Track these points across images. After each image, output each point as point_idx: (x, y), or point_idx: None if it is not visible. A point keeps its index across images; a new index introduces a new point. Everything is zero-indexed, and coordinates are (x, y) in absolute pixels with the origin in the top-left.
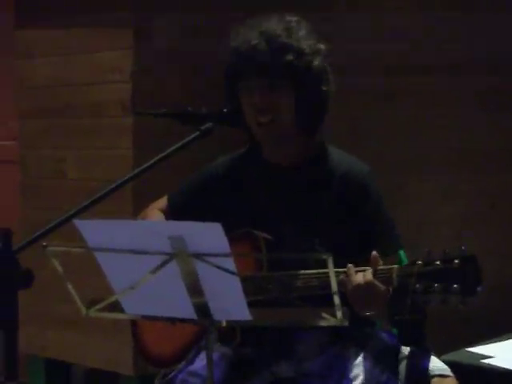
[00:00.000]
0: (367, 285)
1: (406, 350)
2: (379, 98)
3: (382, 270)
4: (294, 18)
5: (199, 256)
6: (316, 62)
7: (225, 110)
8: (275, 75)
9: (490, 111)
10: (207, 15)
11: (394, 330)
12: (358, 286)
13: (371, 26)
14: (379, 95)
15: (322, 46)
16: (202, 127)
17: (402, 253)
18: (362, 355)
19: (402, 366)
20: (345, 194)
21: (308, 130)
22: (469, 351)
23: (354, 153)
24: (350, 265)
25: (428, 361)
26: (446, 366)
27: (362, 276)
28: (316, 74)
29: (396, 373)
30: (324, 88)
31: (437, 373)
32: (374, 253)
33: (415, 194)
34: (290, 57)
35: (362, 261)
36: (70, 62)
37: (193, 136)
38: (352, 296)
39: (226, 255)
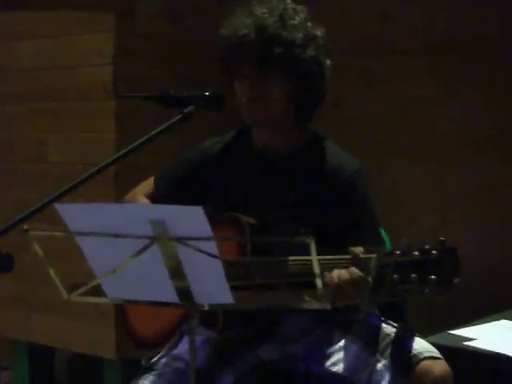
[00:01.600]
0: (353, 280)
1: (387, 328)
2: (366, 80)
3: (361, 258)
4: (291, 5)
5: (181, 240)
6: (308, 53)
7: (207, 94)
8: (263, 66)
9: (480, 94)
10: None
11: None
12: (345, 282)
13: (356, 8)
14: (363, 76)
15: (317, 33)
16: (185, 110)
17: (388, 246)
18: (346, 339)
19: (387, 351)
20: (332, 187)
21: (300, 120)
22: (451, 333)
23: (338, 135)
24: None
25: (412, 342)
26: (434, 348)
27: (347, 273)
28: (307, 64)
29: (382, 355)
30: (317, 78)
31: (426, 355)
32: (351, 248)
33: (402, 179)
34: (279, 49)
35: (345, 251)
36: (52, 45)
37: (175, 119)
38: (336, 293)
39: (207, 239)
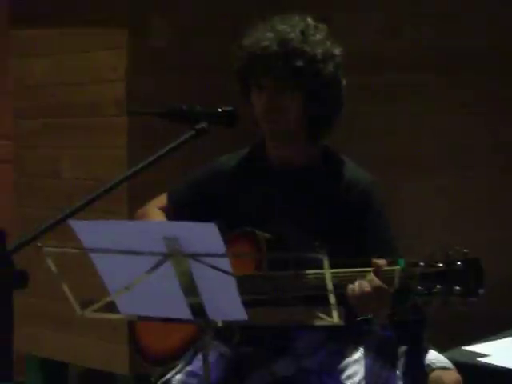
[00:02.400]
0: (374, 291)
1: (403, 346)
2: (377, 96)
3: (384, 270)
4: (312, 22)
5: (194, 256)
6: (328, 69)
7: (220, 110)
8: (283, 78)
9: (485, 110)
10: (203, 15)
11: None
12: (367, 293)
13: (370, 25)
14: (377, 93)
15: (336, 52)
16: (197, 127)
17: (401, 262)
18: (360, 351)
19: (400, 362)
20: (347, 200)
21: (315, 135)
22: (465, 349)
23: (349, 150)
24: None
25: (424, 357)
26: (447, 360)
27: (367, 284)
28: (326, 80)
29: (395, 367)
30: (334, 95)
31: (438, 365)
32: (374, 260)
33: (411, 193)
34: (299, 62)
35: (360, 265)
36: (66, 61)
37: (188, 135)
38: (358, 305)
39: (221, 255)
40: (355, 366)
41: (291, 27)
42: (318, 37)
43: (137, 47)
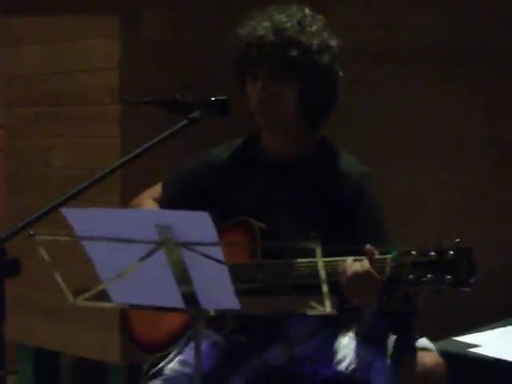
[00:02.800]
0: (364, 273)
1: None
2: (367, 86)
3: (376, 259)
4: (310, 12)
5: (186, 245)
6: (323, 60)
7: (212, 99)
8: (278, 67)
9: (479, 101)
10: (198, 5)
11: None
12: (356, 274)
13: (358, 16)
14: (367, 83)
15: (333, 43)
16: (190, 116)
17: (393, 252)
18: (349, 336)
19: (390, 343)
20: (341, 192)
21: (311, 125)
22: (456, 340)
23: (340, 140)
24: (347, 258)
25: (415, 344)
26: (428, 341)
27: (359, 265)
28: (322, 71)
29: (383, 350)
30: (329, 86)
31: (419, 346)
32: (368, 246)
33: (404, 184)
34: (294, 52)
35: (352, 251)
36: (57, 49)
37: (181, 124)
38: (348, 285)
39: (213, 244)
40: (343, 350)
41: (288, 17)
42: (315, 27)
43: (130, 36)
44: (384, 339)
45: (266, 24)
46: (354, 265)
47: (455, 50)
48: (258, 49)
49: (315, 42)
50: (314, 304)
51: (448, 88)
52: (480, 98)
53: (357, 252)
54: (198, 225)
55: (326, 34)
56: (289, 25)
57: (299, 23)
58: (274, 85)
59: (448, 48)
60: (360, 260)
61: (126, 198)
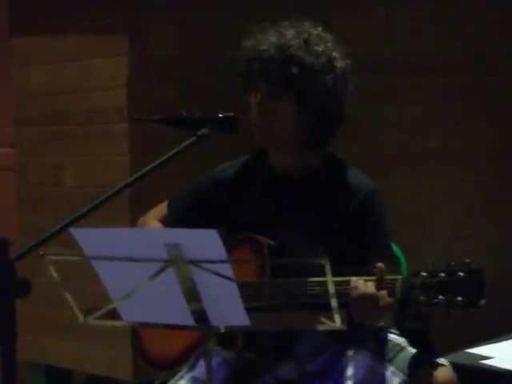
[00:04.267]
0: (370, 296)
1: (397, 339)
2: (373, 97)
3: (385, 280)
4: (320, 32)
5: (196, 263)
6: (325, 80)
7: (220, 116)
8: (277, 83)
9: (484, 108)
10: (204, 22)
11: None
12: (361, 297)
13: (369, 25)
14: (373, 94)
15: (339, 64)
16: (199, 132)
17: (403, 271)
18: (358, 352)
19: (402, 357)
20: (348, 207)
21: (312, 143)
22: (468, 352)
23: (349, 151)
24: (353, 278)
25: (433, 358)
26: (444, 359)
27: (363, 287)
28: (322, 91)
29: (393, 362)
30: (332, 106)
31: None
32: (380, 264)
33: (411, 193)
34: (294, 69)
35: (362, 272)
36: (66, 69)
37: (189, 141)
38: (354, 307)
39: (222, 261)
40: (354, 366)
41: (296, 34)
42: (322, 47)
43: (138, 54)
44: (388, 352)
45: (272, 39)
46: (359, 288)
47: (461, 60)
48: (259, 63)
49: (319, 61)
50: (323, 319)
51: (454, 98)
52: (486, 107)
53: (364, 272)
54: (206, 242)
55: (334, 54)
56: (294, 42)
57: (306, 42)
58: (271, 100)
59: (454, 59)
60: (369, 280)
61: (136, 216)
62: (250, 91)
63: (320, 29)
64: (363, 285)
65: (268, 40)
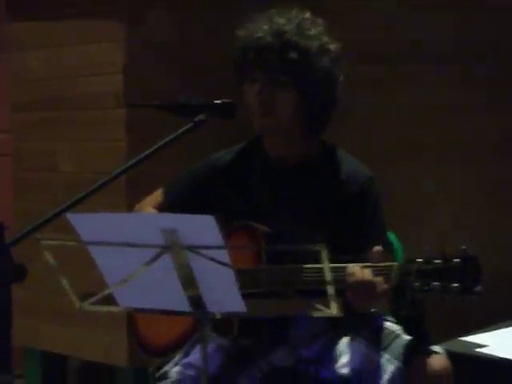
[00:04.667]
0: (367, 283)
1: (392, 327)
2: (368, 86)
3: (381, 266)
4: (310, 16)
5: (192, 248)
6: (321, 64)
7: (218, 102)
8: (276, 71)
9: (485, 99)
10: (203, 8)
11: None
12: (358, 283)
13: (358, 15)
14: (367, 83)
15: (332, 47)
16: (196, 118)
17: (399, 258)
18: (354, 339)
19: (397, 344)
20: (345, 195)
21: (311, 130)
22: (463, 340)
23: (343, 142)
24: (350, 264)
25: (428, 345)
26: (438, 347)
27: (360, 274)
28: (321, 75)
29: (387, 349)
30: (327, 90)
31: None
32: (378, 247)
33: (409, 184)
34: (293, 55)
35: (358, 259)
36: (62, 54)
37: (186, 127)
38: (351, 293)
39: (219, 247)
40: (349, 353)
41: (287, 20)
42: (314, 31)
43: (135, 40)
44: (383, 340)
45: (265, 26)
46: (356, 273)
47: (457, 49)
48: (255, 51)
49: (314, 45)
50: (319, 306)
51: (452, 88)
52: (485, 98)
53: (360, 259)
54: (203, 228)
55: (325, 38)
56: (287, 27)
57: (298, 26)
58: (271, 88)
59: (449, 48)
60: (365, 267)
61: (133, 202)
62: (246, 81)
63: (308, 14)
64: (360, 271)
65: (261, 28)
